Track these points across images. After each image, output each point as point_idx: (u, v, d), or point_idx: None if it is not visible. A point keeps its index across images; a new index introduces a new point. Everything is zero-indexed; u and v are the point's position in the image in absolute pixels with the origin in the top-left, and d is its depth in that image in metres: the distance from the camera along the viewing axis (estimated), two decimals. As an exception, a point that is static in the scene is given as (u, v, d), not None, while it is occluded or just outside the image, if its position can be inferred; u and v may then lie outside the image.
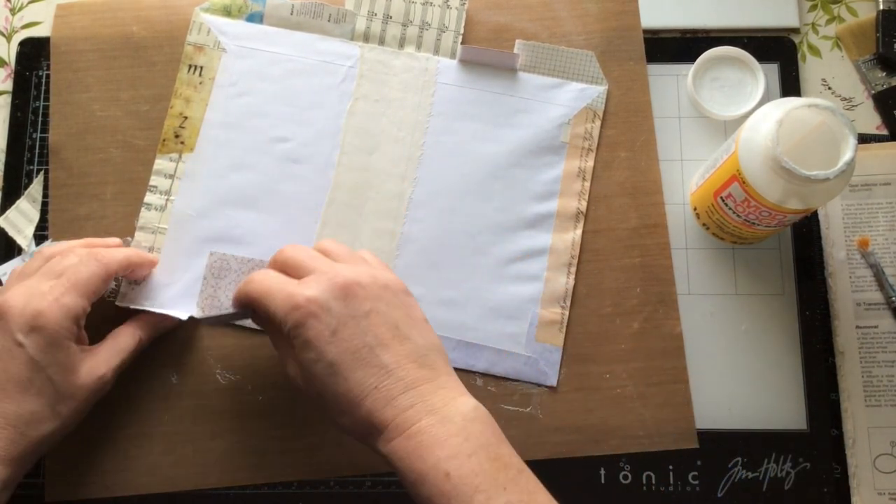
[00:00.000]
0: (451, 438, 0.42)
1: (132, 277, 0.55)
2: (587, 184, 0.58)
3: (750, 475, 0.55)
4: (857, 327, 0.56)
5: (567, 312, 0.56)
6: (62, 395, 0.47)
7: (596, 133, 0.58)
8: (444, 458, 0.41)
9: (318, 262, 0.46)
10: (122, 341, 0.51)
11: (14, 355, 0.46)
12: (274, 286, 0.45)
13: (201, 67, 0.59)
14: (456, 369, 0.54)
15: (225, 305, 0.55)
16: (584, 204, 0.57)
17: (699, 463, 0.55)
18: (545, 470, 0.55)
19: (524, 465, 0.43)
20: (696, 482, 0.55)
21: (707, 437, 0.55)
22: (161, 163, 0.58)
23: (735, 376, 0.56)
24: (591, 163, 0.58)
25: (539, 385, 0.55)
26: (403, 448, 0.42)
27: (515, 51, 0.59)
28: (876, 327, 0.56)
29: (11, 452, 0.46)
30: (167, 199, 0.57)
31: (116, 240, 0.55)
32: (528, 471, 0.43)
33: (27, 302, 0.47)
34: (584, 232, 0.57)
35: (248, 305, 0.47)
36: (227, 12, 0.60)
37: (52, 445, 0.48)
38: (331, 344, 0.43)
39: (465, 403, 0.44)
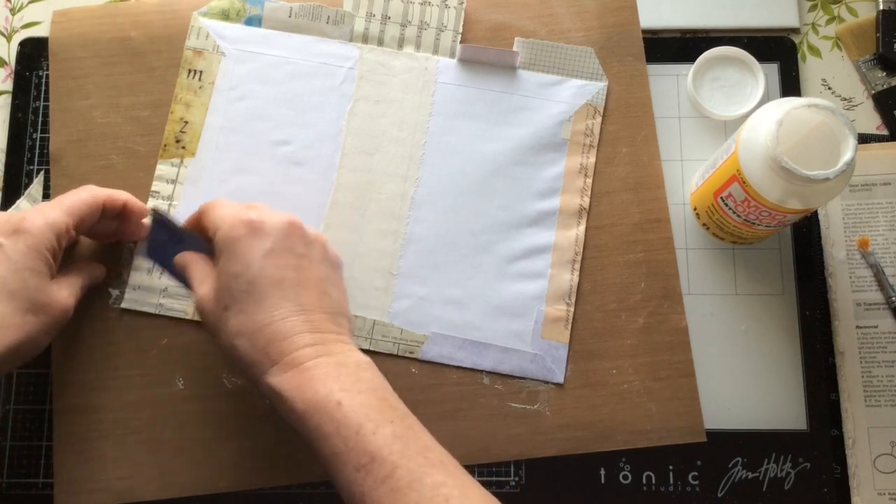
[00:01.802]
0: (345, 377, 0.44)
1: (126, 222, 0.54)
2: (589, 180, 0.58)
3: (750, 475, 0.55)
4: (857, 327, 0.56)
5: (572, 309, 0.56)
6: (32, 304, 0.47)
7: (597, 129, 0.58)
8: (337, 389, 0.43)
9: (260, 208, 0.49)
10: (82, 277, 0.52)
11: None
12: (229, 203, 0.49)
13: (201, 72, 0.59)
14: (462, 368, 0.54)
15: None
16: (587, 200, 0.57)
17: (699, 463, 0.55)
18: (546, 469, 0.55)
19: (409, 411, 0.45)
20: (696, 482, 0.55)
21: (707, 436, 0.55)
22: (163, 168, 0.58)
23: (735, 376, 0.56)
24: (592, 159, 0.58)
25: (546, 382, 0.55)
26: (295, 380, 0.44)
27: (514, 49, 0.59)
28: (876, 327, 0.56)
29: None
30: (170, 205, 0.57)
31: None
32: (412, 416, 0.45)
33: (13, 213, 0.48)
34: (587, 228, 0.57)
35: (198, 214, 0.49)
36: (225, 16, 0.60)
37: (13, 364, 0.48)
38: (260, 264, 0.45)
39: (359, 356, 0.46)
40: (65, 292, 0.50)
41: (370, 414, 0.43)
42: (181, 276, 0.50)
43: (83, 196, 0.50)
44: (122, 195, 0.53)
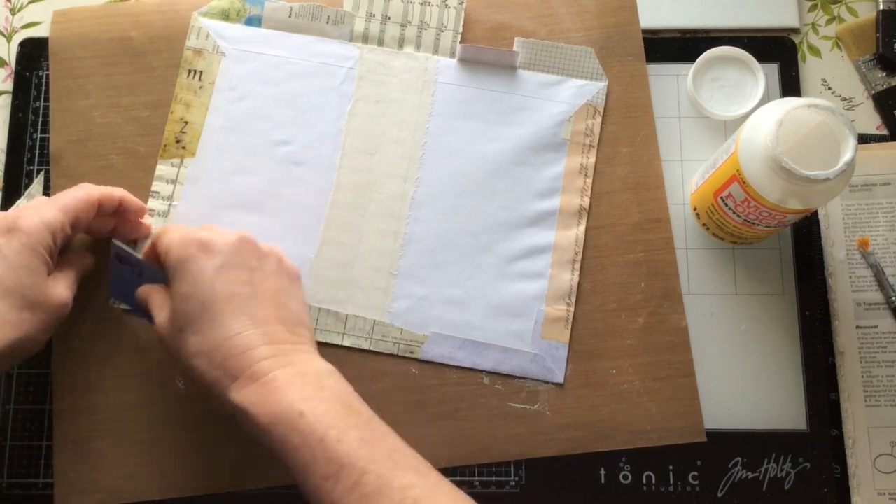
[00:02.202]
0: (306, 386, 0.44)
1: (123, 219, 0.54)
2: (589, 180, 0.58)
3: (750, 475, 0.55)
4: (857, 327, 0.56)
5: (572, 309, 0.56)
6: (29, 302, 0.47)
7: (597, 129, 0.58)
8: (299, 399, 0.43)
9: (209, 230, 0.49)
10: (71, 265, 0.52)
11: None
12: (179, 227, 0.49)
13: (201, 72, 0.59)
14: (462, 368, 0.54)
15: None
16: (587, 200, 0.57)
17: (699, 463, 0.55)
18: (546, 469, 0.55)
19: (375, 415, 0.45)
20: (696, 482, 0.55)
21: (707, 436, 0.55)
22: (163, 168, 0.58)
23: (735, 376, 0.56)
24: (592, 159, 0.58)
25: (546, 382, 0.55)
26: (256, 393, 0.43)
27: (514, 49, 0.59)
28: (876, 327, 0.56)
29: None
30: (170, 205, 0.57)
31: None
32: (378, 419, 0.44)
33: (8, 212, 0.48)
34: (587, 228, 0.57)
35: (152, 243, 0.50)
36: (225, 16, 0.60)
37: (12, 361, 0.48)
38: (211, 282, 0.45)
39: (321, 364, 0.46)
40: (61, 287, 0.49)
41: (334, 422, 0.42)
42: (144, 312, 0.50)
43: (78, 194, 0.50)
44: (117, 192, 0.53)
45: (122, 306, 0.55)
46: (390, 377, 0.55)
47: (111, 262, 0.52)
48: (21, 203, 0.58)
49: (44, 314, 0.48)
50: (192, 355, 0.45)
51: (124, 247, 0.50)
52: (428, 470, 0.43)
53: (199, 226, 0.50)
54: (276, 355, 0.44)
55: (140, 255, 0.51)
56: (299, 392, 0.43)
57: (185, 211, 0.57)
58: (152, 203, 0.57)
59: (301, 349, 0.46)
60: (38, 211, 0.48)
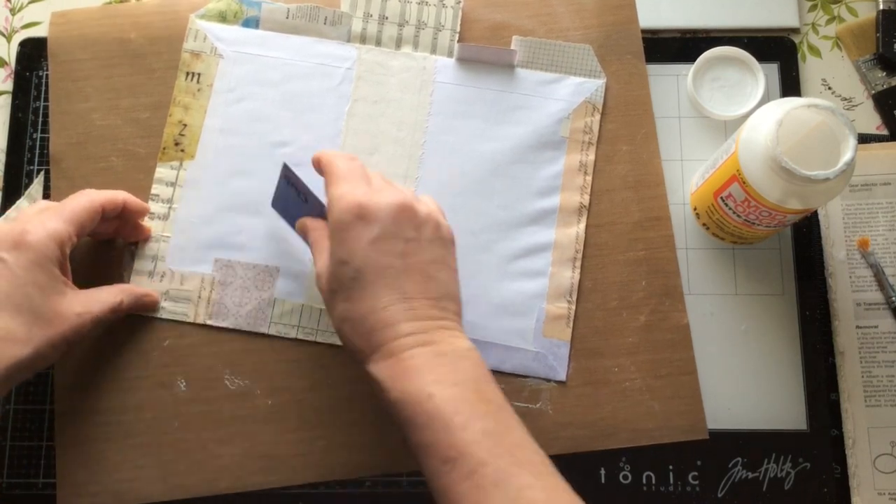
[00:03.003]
0: (441, 367, 0.44)
1: (126, 222, 0.55)
2: (589, 178, 0.58)
3: (750, 475, 0.55)
4: (857, 327, 0.56)
5: (573, 307, 0.56)
6: (38, 318, 0.47)
7: (596, 127, 0.58)
8: (431, 381, 0.43)
9: (376, 178, 0.49)
10: (105, 294, 0.52)
11: None
12: (344, 177, 0.47)
13: (199, 74, 0.59)
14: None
15: (232, 312, 0.55)
16: (587, 198, 0.57)
17: (699, 463, 0.55)
18: (545, 470, 0.55)
19: (506, 403, 0.44)
20: (696, 482, 0.55)
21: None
22: (162, 171, 0.58)
23: (735, 376, 0.56)
24: (591, 157, 0.58)
25: (548, 380, 0.55)
26: (392, 369, 0.44)
27: (513, 47, 0.59)
28: (876, 327, 0.56)
29: None
30: (169, 208, 0.57)
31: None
32: (508, 409, 0.44)
33: (13, 224, 0.48)
34: (587, 226, 0.57)
35: (319, 170, 0.49)
36: (222, 18, 0.60)
37: (21, 377, 0.47)
38: (366, 253, 0.45)
39: (460, 343, 0.45)
40: (77, 308, 0.49)
41: (461, 407, 0.42)
42: (303, 237, 0.52)
43: (82, 202, 0.50)
44: (120, 196, 0.53)
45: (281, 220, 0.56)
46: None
47: (278, 181, 0.53)
48: (21, 204, 0.58)
49: (53, 331, 0.47)
50: (341, 320, 0.46)
51: (294, 173, 0.51)
52: (549, 470, 0.42)
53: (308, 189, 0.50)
54: (417, 332, 0.44)
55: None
56: (433, 374, 0.43)
57: (186, 214, 0.57)
58: (152, 206, 0.57)
59: (444, 325, 0.46)
60: (43, 224, 0.48)
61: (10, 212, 0.58)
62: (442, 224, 0.48)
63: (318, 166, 0.50)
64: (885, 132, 0.61)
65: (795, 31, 0.62)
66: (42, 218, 0.49)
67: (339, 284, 0.45)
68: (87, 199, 0.50)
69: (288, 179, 0.52)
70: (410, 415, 0.42)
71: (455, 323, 0.47)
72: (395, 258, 0.45)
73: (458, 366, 0.44)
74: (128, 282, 0.56)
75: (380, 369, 0.44)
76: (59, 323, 0.48)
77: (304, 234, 0.51)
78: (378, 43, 0.59)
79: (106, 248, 0.57)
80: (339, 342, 0.55)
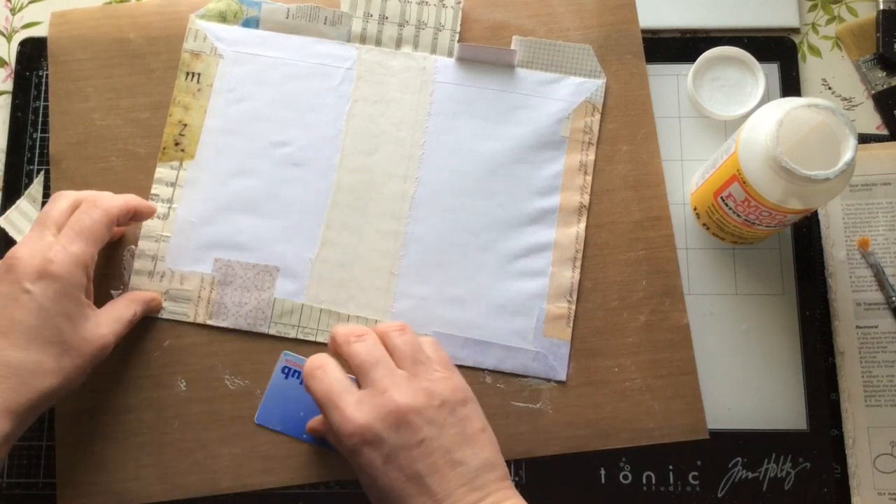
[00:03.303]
0: None
1: (135, 222, 0.55)
2: (589, 178, 0.58)
3: (750, 475, 0.55)
4: (857, 327, 0.56)
5: (574, 307, 0.56)
6: (68, 348, 0.47)
7: (596, 127, 0.58)
8: None
9: (377, 373, 0.46)
10: (122, 310, 0.52)
11: (22, 303, 0.46)
12: (334, 395, 0.45)
13: (199, 74, 0.59)
14: (464, 367, 0.54)
15: (232, 312, 0.55)
16: (587, 198, 0.57)
17: (699, 463, 0.55)
18: (546, 469, 0.55)
19: None
20: (696, 482, 0.55)
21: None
22: (162, 171, 0.58)
23: (735, 376, 0.56)
24: (591, 157, 0.58)
25: (548, 380, 0.55)
26: None
27: (513, 47, 0.59)
28: (876, 327, 0.56)
29: (14, 403, 0.45)
30: (169, 208, 0.57)
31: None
32: None
33: (34, 251, 0.47)
34: (587, 226, 0.57)
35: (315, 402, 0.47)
36: (222, 18, 0.60)
37: (50, 404, 0.48)
38: (383, 473, 0.43)
39: None
40: (104, 329, 0.49)
41: None
42: (313, 438, 0.53)
43: (98, 219, 0.49)
44: (132, 203, 0.52)
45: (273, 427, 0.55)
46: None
47: (273, 377, 0.54)
48: (21, 203, 0.58)
49: (82, 358, 0.48)
50: None
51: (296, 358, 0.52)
52: None
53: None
54: None
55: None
56: None
57: (186, 213, 0.57)
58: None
59: (491, 502, 0.44)
60: (66, 250, 0.47)
61: (10, 212, 0.58)
62: (446, 394, 0.46)
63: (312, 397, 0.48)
64: (885, 132, 0.61)
65: (795, 31, 0.62)
66: (63, 242, 0.48)
67: (376, 499, 0.45)
68: (102, 214, 0.50)
69: (288, 372, 0.54)
70: None
71: (498, 487, 0.45)
72: (412, 466, 0.43)
73: None
74: (128, 282, 0.56)
75: None
76: (87, 348, 0.48)
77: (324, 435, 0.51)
78: (378, 43, 0.59)
79: (105, 249, 0.57)
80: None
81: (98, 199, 0.51)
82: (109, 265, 0.56)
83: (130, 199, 0.53)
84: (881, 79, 0.61)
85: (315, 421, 0.52)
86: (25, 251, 0.47)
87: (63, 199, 0.51)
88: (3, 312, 0.46)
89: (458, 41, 0.59)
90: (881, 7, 0.62)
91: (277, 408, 0.54)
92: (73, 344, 0.47)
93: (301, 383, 0.54)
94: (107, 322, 0.50)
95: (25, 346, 0.46)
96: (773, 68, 0.61)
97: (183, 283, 0.56)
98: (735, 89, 0.60)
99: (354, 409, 0.45)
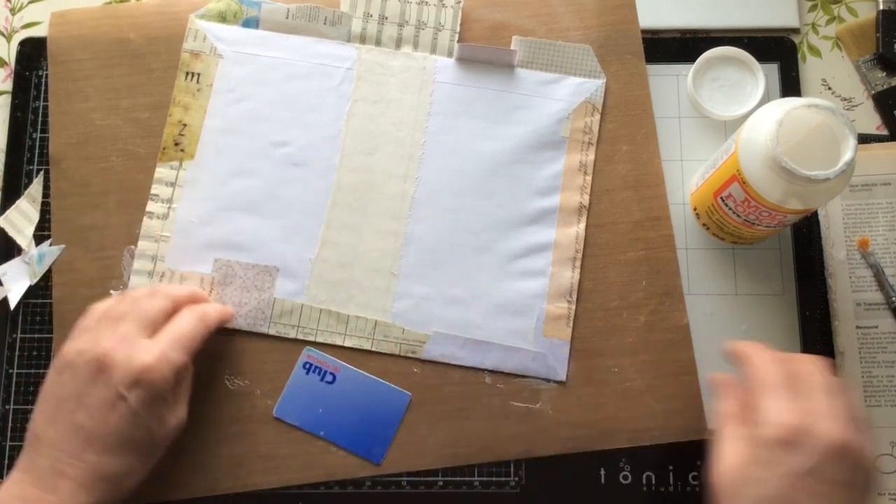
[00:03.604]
0: None
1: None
2: (589, 178, 0.58)
3: (750, 475, 0.55)
4: (857, 327, 0.56)
5: (573, 307, 0.56)
6: (156, 446, 0.48)
7: (596, 127, 0.58)
8: None
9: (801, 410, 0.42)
10: (187, 380, 0.52)
11: (116, 408, 0.46)
12: (779, 385, 0.43)
13: (199, 74, 0.59)
14: (464, 368, 0.54)
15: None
16: (587, 198, 0.57)
17: (699, 463, 0.55)
18: (546, 469, 0.55)
19: None
20: (696, 482, 0.55)
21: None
22: (162, 171, 0.58)
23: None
24: (591, 157, 0.58)
25: (548, 381, 0.55)
26: None
27: (513, 47, 0.59)
28: (876, 327, 0.56)
29: None
30: (169, 208, 0.57)
31: (199, 291, 0.55)
32: None
33: (131, 355, 0.46)
34: (587, 226, 0.57)
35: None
36: (222, 18, 0.60)
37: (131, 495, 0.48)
38: (781, 482, 0.40)
39: None
40: (181, 410, 0.50)
41: None
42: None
43: (201, 332, 0.50)
44: (226, 316, 0.53)
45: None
46: (392, 377, 0.55)
47: (293, 372, 0.54)
48: (21, 204, 0.58)
49: (166, 447, 0.49)
50: None
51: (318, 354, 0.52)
52: None
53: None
54: None
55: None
56: None
57: (185, 214, 0.57)
58: (151, 206, 0.57)
59: None
60: (167, 357, 0.47)
61: (10, 212, 0.58)
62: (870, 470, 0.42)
63: (734, 358, 0.47)
64: (885, 132, 0.61)
65: (795, 31, 0.62)
66: (162, 348, 0.47)
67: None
68: (204, 328, 0.50)
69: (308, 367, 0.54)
70: None
71: None
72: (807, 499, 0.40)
73: None
74: (128, 282, 0.56)
75: None
76: (171, 436, 0.49)
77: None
78: (378, 43, 0.59)
79: (105, 249, 0.57)
80: (337, 342, 0.55)
81: (199, 311, 0.51)
82: (109, 265, 0.56)
83: (226, 315, 0.53)
84: (881, 79, 0.61)
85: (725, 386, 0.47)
86: (121, 353, 0.47)
87: (161, 297, 0.50)
88: (97, 415, 0.46)
89: (458, 41, 0.59)
90: (881, 7, 0.62)
91: (296, 403, 0.54)
92: (159, 440, 0.48)
93: (321, 380, 0.54)
94: (182, 399, 0.50)
95: (118, 452, 0.46)
96: (773, 68, 0.61)
97: (183, 283, 0.56)
98: (735, 89, 0.60)
99: (799, 406, 0.42)
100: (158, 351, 0.47)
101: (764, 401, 0.43)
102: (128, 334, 0.47)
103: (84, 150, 0.58)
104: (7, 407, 0.56)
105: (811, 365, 0.45)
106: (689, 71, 0.60)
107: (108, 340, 0.47)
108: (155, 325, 0.49)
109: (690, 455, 0.55)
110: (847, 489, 0.40)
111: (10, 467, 0.55)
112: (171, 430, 0.48)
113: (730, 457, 0.43)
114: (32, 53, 0.61)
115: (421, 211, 0.57)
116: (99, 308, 0.50)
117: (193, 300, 0.52)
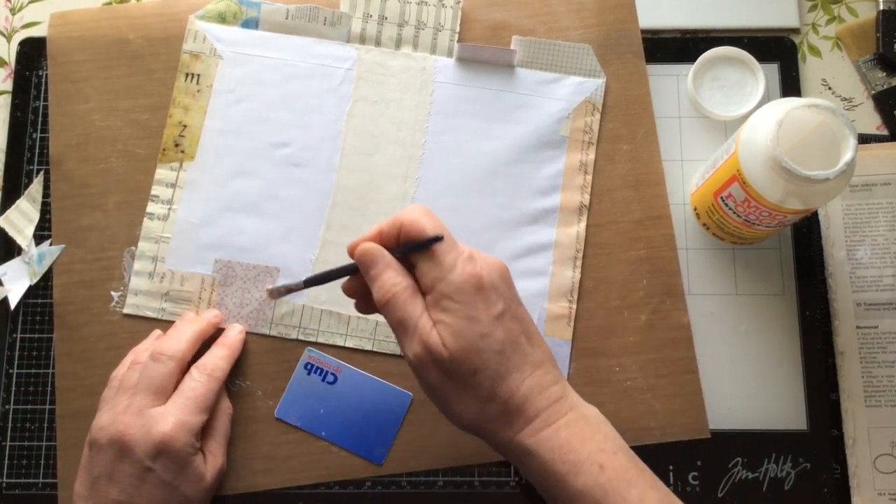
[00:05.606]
0: (595, 434, 0.43)
1: None
2: (589, 177, 0.58)
3: (750, 475, 0.55)
4: (857, 327, 0.56)
5: (574, 306, 0.56)
6: (190, 501, 0.48)
7: (596, 126, 0.58)
8: (596, 451, 0.42)
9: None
10: (222, 425, 0.52)
11: (147, 480, 0.47)
12: (448, 233, 0.44)
13: (198, 75, 0.59)
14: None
15: (232, 313, 0.55)
16: (587, 197, 0.57)
17: (699, 463, 0.55)
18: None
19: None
20: (696, 482, 0.55)
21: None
22: (162, 172, 0.58)
23: (735, 376, 0.56)
24: (592, 156, 0.58)
25: (549, 380, 0.55)
26: (554, 439, 0.42)
27: (513, 47, 0.59)
28: (876, 327, 0.56)
29: None
30: (169, 209, 0.57)
31: (215, 312, 0.55)
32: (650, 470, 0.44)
33: (147, 427, 0.47)
34: (588, 225, 0.57)
35: (405, 234, 0.45)
36: (222, 19, 0.60)
37: None
38: (497, 325, 0.43)
39: (590, 407, 0.45)
40: (218, 460, 0.51)
41: (633, 479, 0.42)
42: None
43: (214, 388, 0.51)
44: (232, 358, 0.53)
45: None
46: (393, 378, 0.55)
47: (295, 373, 0.54)
48: (21, 204, 0.58)
49: (209, 495, 0.50)
50: (471, 400, 0.44)
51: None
52: None
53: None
54: (562, 396, 0.44)
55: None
56: (593, 442, 0.43)
57: (185, 215, 0.57)
58: (152, 207, 0.57)
59: (567, 387, 0.45)
60: (182, 423, 0.48)
61: (10, 212, 0.58)
62: (500, 278, 0.44)
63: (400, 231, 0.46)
64: (885, 132, 0.61)
65: (795, 31, 0.62)
66: (179, 414, 0.48)
67: (481, 360, 0.42)
68: (216, 383, 0.51)
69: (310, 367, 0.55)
70: (584, 486, 0.41)
71: (560, 375, 0.45)
72: (518, 324, 0.44)
73: (605, 431, 0.44)
74: (128, 282, 0.56)
75: (539, 440, 0.42)
76: (211, 493, 0.50)
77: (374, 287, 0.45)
78: (378, 43, 0.59)
79: (106, 250, 0.57)
80: (338, 343, 0.55)
81: (208, 367, 0.51)
82: (109, 266, 0.56)
83: (236, 351, 0.54)
84: (881, 79, 0.61)
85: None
86: (137, 428, 0.47)
87: (165, 362, 0.50)
88: (129, 489, 0.47)
89: (458, 41, 0.59)
90: (881, 7, 0.62)
91: (298, 403, 0.54)
92: (196, 497, 0.49)
93: (323, 381, 0.54)
94: (220, 453, 0.51)
95: None
96: (773, 68, 0.61)
97: (183, 284, 0.56)
98: (735, 89, 0.60)
99: (470, 257, 0.44)
100: (174, 419, 0.48)
101: (444, 257, 0.44)
102: (142, 407, 0.48)
103: (84, 152, 0.58)
104: (7, 407, 0.55)
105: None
106: (689, 71, 0.60)
107: (124, 415, 0.48)
108: (166, 391, 0.50)
109: (690, 455, 0.55)
110: (516, 304, 0.45)
111: (10, 467, 0.55)
112: (210, 483, 0.49)
113: (418, 334, 0.43)
114: (32, 53, 0.61)
115: (421, 211, 0.57)
116: (115, 377, 0.52)
117: (196, 339, 0.53)
